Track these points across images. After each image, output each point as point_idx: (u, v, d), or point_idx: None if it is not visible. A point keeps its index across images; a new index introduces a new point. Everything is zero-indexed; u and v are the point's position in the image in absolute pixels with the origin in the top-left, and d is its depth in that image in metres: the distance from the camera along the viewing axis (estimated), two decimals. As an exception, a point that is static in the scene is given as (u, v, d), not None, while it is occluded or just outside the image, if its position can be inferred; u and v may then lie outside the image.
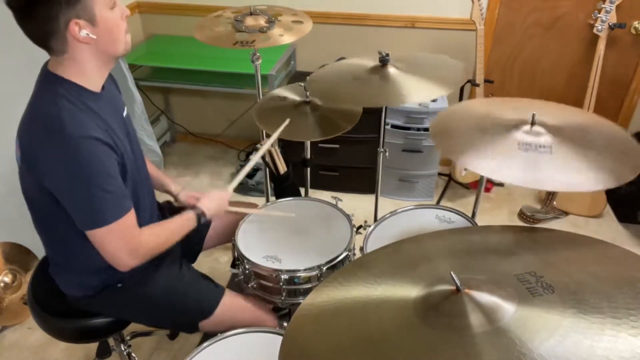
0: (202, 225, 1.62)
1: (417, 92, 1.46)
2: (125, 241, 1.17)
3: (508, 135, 1.16)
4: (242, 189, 2.87)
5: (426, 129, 2.56)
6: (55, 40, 1.09)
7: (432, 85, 1.48)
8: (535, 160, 1.09)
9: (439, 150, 1.23)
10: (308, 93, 1.76)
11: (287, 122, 1.66)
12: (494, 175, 1.10)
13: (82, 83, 1.15)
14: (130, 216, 1.17)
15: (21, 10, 1.06)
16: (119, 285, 1.34)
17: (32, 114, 1.13)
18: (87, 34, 1.09)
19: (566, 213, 2.67)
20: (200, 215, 1.36)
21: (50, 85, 1.13)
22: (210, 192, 1.44)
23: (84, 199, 1.11)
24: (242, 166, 2.94)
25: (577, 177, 1.04)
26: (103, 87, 1.22)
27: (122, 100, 1.35)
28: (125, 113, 1.32)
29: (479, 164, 1.12)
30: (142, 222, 1.23)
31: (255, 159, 1.59)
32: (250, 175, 2.85)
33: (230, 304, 1.42)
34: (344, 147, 2.70)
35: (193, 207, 1.37)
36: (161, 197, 1.58)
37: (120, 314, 1.40)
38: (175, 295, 1.39)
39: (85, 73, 1.15)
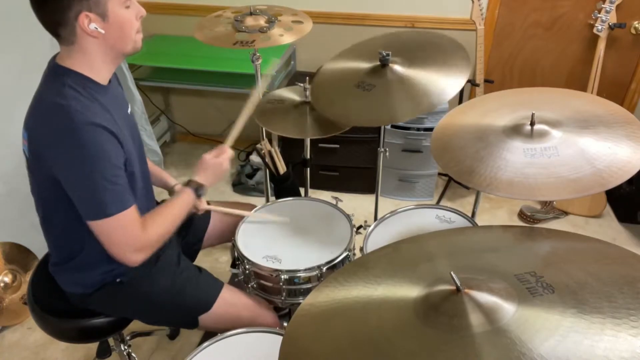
0: (201, 224, 1.63)
1: (425, 98, 1.44)
2: (129, 236, 1.16)
3: (511, 142, 1.16)
4: (242, 189, 2.87)
5: (426, 129, 2.56)
6: (64, 30, 1.10)
7: (439, 79, 1.46)
8: (546, 166, 1.08)
9: (446, 171, 1.21)
10: (308, 93, 1.76)
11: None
12: (515, 195, 1.06)
13: (89, 75, 1.16)
14: (133, 211, 1.17)
15: None
16: (118, 280, 1.34)
17: (39, 104, 1.14)
18: (96, 28, 1.11)
19: (566, 213, 2.67)
20: (198, 189, 1.35)
21: (57, 76, 1.14)
22: (203, 161, 1.41)
23: (88, 188, 1.11)
24: (242, 166, 2.95)
25: (591, 178, 1.04)
26: (110, 81, 1.23)
27: (125, 98, 1.36)
28: (129, 110, 1.33)
29: (491, 184, 1.09)
30: None
31: (250, 108, 1.51)
32: (250, 175, 2.86)
33: (230, 298, 1.42)
34: (344, 147, 2.70)
35: (189, 183, 1.36)
36: (159, 196, 1.58)
37: (119, 312, 1.40)
38: (173, 289, 1.38)
39: (93, 66, 1.16)
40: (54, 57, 1.18)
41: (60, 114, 1.08)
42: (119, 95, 1.31)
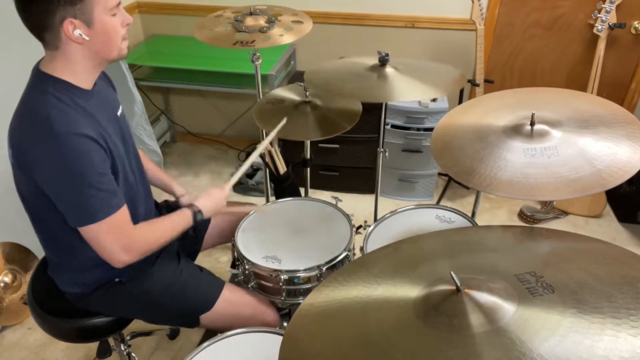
0: (202, 225, 1.63)
1: (413, 91, 1.50)
2: (118, 237, 1.17)
3: (511, 142, 1.16)
4: (242, 189, 2.87)
5: (426, 129, 2.56)
6: (48, 34, 1.10)
7: (427, 87, 1.50)
8: (546, 166, 1.08)
9: (446, 171, 1.21)
10: (308, 93, 1.76)
11: (284, 121, 1.65)
12: (515, 195, 1.06)
13: (72, 81, 1.15)
14: (122, 213, 1.17)
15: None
16: (117, 280, 1.34)
17: (22, 112, 1.14)
18: (80, 35, 1.10)
19: (566, 213, 2.67)
20: (196, 214, 1.35)
21: (40, 83, 1.14)
22: (208, 191, 1.43)
23: (74, 196, 1.11)
24: (241, 166, 2.94)
25: (592, 178, 1.03)
26: (95, 84, 1.22)
27: (117, 99, 1.35)
28: (119, 112, 1.32)
29: (491, 184, 1.09)
30: (136, 221, 1.24)
31: (253, 157, 1.57)
32: (250, 175, 2.85)
33: (231, 297, 1.42)
34: (344, 147, 2.70)
35: (190, 206, 1.36)
36: (159, 197, 1.58)
37: (119, 311, 1.40)
38: (174, 289, 1.39)
39: (76, 71, 1.16)
40: (38, 63, 1.18)
41: (43, 124, 1.08)
42: (107, 97, 1.30)
